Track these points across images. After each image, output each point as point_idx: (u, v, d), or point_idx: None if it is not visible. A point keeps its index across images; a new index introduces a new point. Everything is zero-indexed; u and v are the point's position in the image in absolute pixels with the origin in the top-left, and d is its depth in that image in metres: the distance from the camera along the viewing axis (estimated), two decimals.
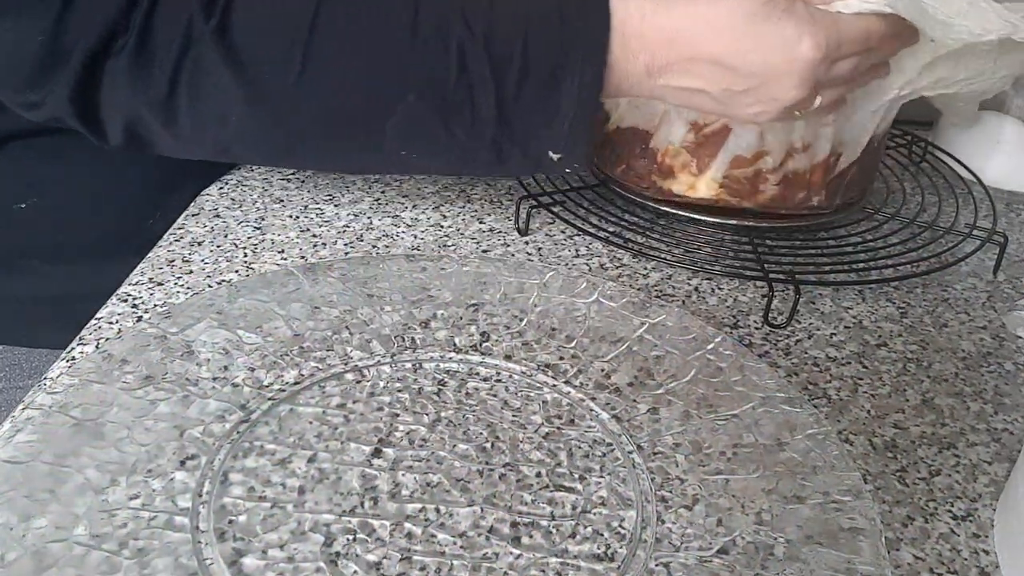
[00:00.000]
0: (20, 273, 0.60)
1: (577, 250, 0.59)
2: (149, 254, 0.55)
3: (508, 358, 0.46)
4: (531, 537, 0.36)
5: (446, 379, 0.44)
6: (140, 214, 0.61)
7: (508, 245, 0.59)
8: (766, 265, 0.56)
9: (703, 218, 0.60)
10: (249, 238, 0.57)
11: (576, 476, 0.39)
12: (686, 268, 0.58)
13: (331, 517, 0.36)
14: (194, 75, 0.45)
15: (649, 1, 0.46)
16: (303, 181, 0.66)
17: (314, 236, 0.58)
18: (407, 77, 0.47)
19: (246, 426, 0.40)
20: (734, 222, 0.60)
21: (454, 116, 0.48)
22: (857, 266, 0.59)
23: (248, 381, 0.42)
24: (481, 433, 0.41)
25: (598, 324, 0.48)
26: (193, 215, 0.60)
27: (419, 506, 0.37)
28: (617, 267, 0.58)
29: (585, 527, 0.37)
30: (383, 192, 0.65)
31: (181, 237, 0.57)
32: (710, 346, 0.47)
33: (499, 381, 0.44)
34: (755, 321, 0.54)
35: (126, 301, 0.50)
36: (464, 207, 0.64)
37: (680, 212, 0.60)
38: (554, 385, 0.44)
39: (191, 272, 0.53)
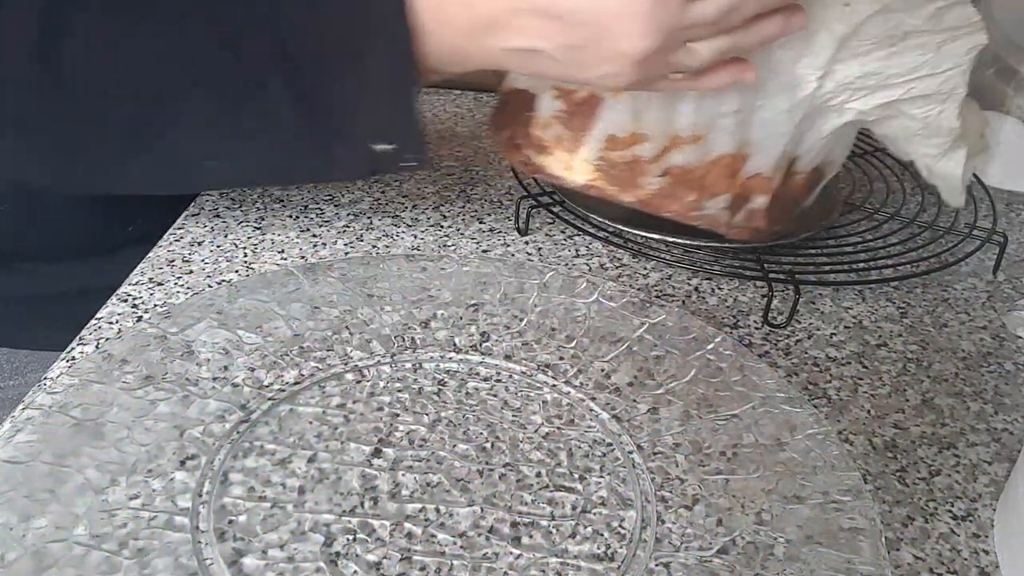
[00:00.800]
0: (9, 273, 0.60)
1: (577, 250, 0.59)
2: (149, 254, 0.55)
3: (508, 358, 0.46)
4: (531, 537, 0.36)
5: (446, 379, 0.44)
6: (117, 218, 0.59)
7: (508, 245, 0.59)
8: (766, 265, 0.56)
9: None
10: (249, 238, 0.57)
11: (576, 476, 0.39)
12: (686, 268, 0.58)
13: (331, 517, 0.36)
14: None
15: None
16: None
17: (314, 236, 0.58)
18: (178, 69, 0.40)
19: (246, 426, 0.40)
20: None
21: (245, 108, 0.41)
22: (857, 266, 0.59)
23: (248, 381, 0.42)
24: (481, 433, 0.41)
25: (598, 324, 0.48)
26: (193, 215, 0.60)
27: (419, 506, 0.37)
28: (617, 267, 0.58)
29: (585, 527, 0.37)
30: (383, 192, 0.65)
31: (181, 237, 0.57)
32: (710, 346, 0.47)
33: (499, 381, 0.44)
34: (755, 321, 0.54)
35: (126, 301, 0.50)
36: (464, 207, 0.64)
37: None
38: (554, 385, 0.44)
39: (191, 272, 0.53)
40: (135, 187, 0.50)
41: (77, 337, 0.47)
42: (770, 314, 0.54)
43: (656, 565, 0.35)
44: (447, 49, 0.41)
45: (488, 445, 0.40)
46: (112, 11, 0.40)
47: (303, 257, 0.56)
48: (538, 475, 0.39)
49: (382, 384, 0.43)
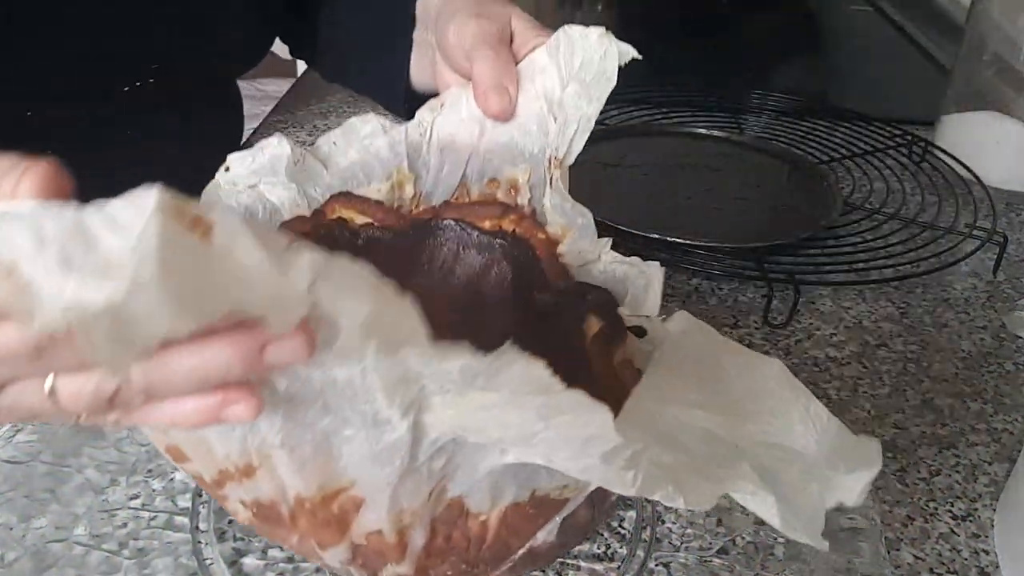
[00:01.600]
0: None
1: None
2: None
3: None
4: None
5: None
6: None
7: None
8: (766, 265, 0.56)
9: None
10: None
11: None
12: (686, 268, 0.58)
13: None
14: None
15: None
16: None
17: None
18: None
19: None
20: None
21: None
22: (857, 266, 0.59)
23: None
24: None
25: None
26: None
27: None
28: None
29: None
30: None
31: None
32: None
33: None
34: (755, 321, 0.54)
35: None
36: None
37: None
38: None
39: None
40: None
41: None
42: (770, 314, 0.54)
43: (656, 565, 0.35)
44: None
45: None
46: None
47: None
48: None
49: None
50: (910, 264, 0.60)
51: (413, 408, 0.25)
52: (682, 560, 0.35)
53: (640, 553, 0.35)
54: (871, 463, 0.27)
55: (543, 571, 0.35)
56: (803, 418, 0.29)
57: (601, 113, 0.40)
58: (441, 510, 0.29)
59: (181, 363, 0.22)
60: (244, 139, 0.66)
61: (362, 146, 0.41)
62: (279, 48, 0.60)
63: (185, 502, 0.36)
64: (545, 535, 0.31)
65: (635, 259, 0.38)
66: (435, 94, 0.42)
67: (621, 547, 0.36)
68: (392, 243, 0.39)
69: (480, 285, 0.39)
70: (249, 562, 0.34)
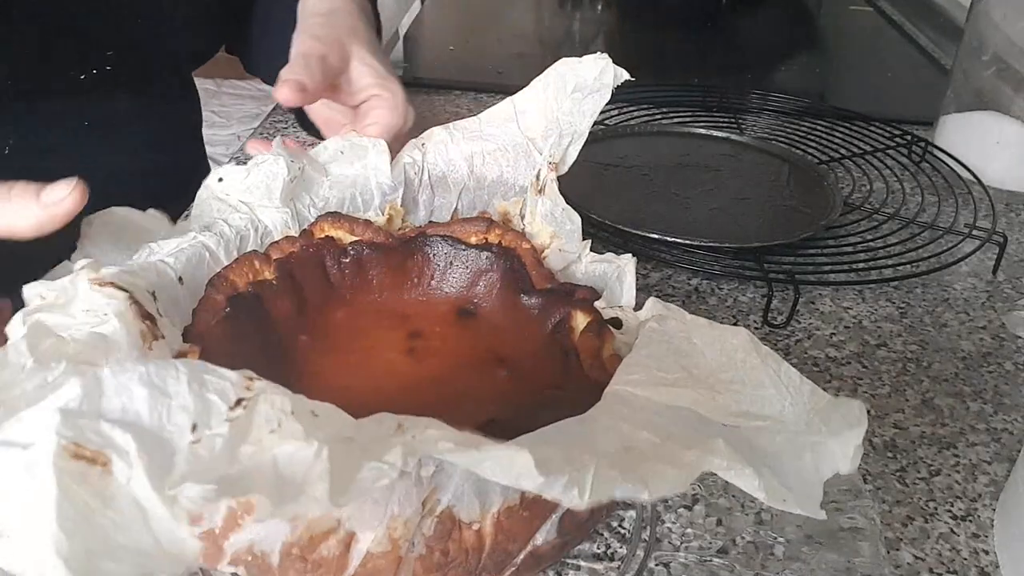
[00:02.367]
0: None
1: None
2: None
3: None
4: None
5: None
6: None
7: None
8: (766, 265, 0.56)
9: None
10: None
11: None
12: (686, 268, 0.58)
13: None
14: None
15: None
16: None
17: None
18: None
19: None
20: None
21: None
22: (857, 266, 0.59)
23: None
24: None
25: None
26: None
27: None
28: None
29: None
30: None
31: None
32: None
33: None
34: (755, 321, 0.54)
35: None
36: None
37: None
38: None
39: None
40: None
41: None
42: (770, 314, 0.54)
43: (656, 565, 0.35)
44: None
45: None
46: None
47: None
48: None
49: None
50: (910, 264, 0.60)
51: None
52: (682, 560, 0.35)
53: (640, 553, 0.35)
54: (856, 423, 0.27)
55: (542, 571, 0.35)
56: (775, 382, 0.29)
57: (601, 113, 0.43)
58: (434, 524, 0.29)
59: None
60: (243, 142, 0.67)
61: (364, 164, 0.43)
62: None
63: None
64: (544, 536, 0.31)
65: (609, 255, 0.40)
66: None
67: (621, 547, 0.36)
68: (381, 259, 0.40)
69: (470, 296, 0.40)
70: None
